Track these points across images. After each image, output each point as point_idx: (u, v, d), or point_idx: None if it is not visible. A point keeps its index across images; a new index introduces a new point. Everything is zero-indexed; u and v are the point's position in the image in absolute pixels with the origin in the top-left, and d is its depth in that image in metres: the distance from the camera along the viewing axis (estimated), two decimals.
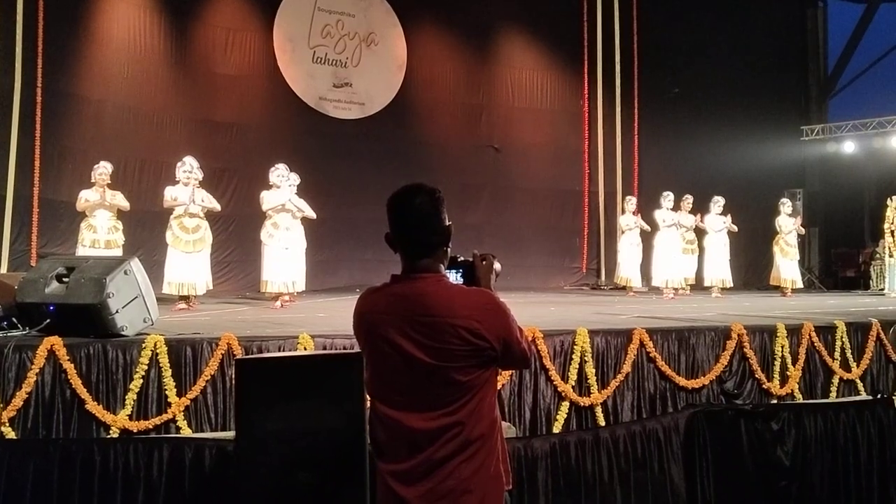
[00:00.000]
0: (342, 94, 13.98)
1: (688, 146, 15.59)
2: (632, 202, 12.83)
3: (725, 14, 16.38)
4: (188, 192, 8.82)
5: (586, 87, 15.94)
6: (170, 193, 8.88)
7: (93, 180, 8.93)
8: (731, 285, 12.55)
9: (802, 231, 13.12)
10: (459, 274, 2.66)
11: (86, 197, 8.86)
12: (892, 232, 13.40)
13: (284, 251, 9.17)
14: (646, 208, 12.74)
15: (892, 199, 13.50)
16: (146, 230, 10.75)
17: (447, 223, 2.58)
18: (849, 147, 16.91)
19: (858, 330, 7.02)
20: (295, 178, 9.47)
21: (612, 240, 14.80)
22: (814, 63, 18.58)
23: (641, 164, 16.01)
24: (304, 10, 13.75)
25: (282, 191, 9.24)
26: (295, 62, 13.60)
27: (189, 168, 8.89)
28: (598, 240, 15.84)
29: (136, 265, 5.38)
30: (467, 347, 2.45)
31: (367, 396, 2.74)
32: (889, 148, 16.19)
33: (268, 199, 9.25)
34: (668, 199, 12.16)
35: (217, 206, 9.22)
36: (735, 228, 12.41)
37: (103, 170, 8.94)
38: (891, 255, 13.42)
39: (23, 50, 10.67)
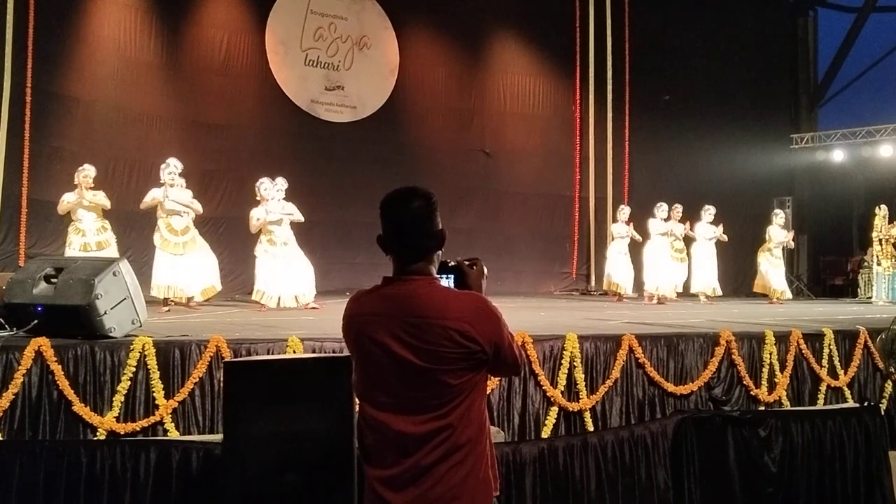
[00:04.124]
0: (334, 97, 13.98)
1: (678, 153, 15.66)
2: (625, 212, 12.82)
3: (716, 23, 16.44)
4: (163, 190, 8.81)
5: (578, 93, 16.01)
6: (149, 195, 8.88)
7: (76, 182, 8.84)
8: (721, 293, 12.60)
9: (792, 245, 13.17)
10: (450, 279, 2.65)
11: (67, 199, 8.79)
12: (880, 241, 13.46)
13: (286, 268, 9.14)
14: (636, 214, 12.77)
15: (880, 208, 13.57)
16: (135, 232, 10.70)
17: (441, 227, 2.57)
18: (838, 156, 17.00)
19: (846, 338, 7.04)
20: (282, 183, 9.38)
21: (603, 246, 14.83)
22: (804, 72, 18.69)
23: (632, 171, 16.08)
24: (296, 12, 13.74)
25: (268, 203, 9.17)
26: (287, 65, 13.59)
27: (173, 169, 8.89)
28: (588, 245, 15.90)
29: (124, 266, 5.36)
30: (458, 350, 2.44)
31: (356, 400, 2.72)
32: (878, 157, 16.29)
33: (255, 216, 9.20)
34: (661, 209, 12.20)
35: (198, 208, 9.16)
36: (726, 238, 12.46)
37: (87, 172, 8.83)
38: (878, 264, 13.49)
39: (13, 50, 10.63)
